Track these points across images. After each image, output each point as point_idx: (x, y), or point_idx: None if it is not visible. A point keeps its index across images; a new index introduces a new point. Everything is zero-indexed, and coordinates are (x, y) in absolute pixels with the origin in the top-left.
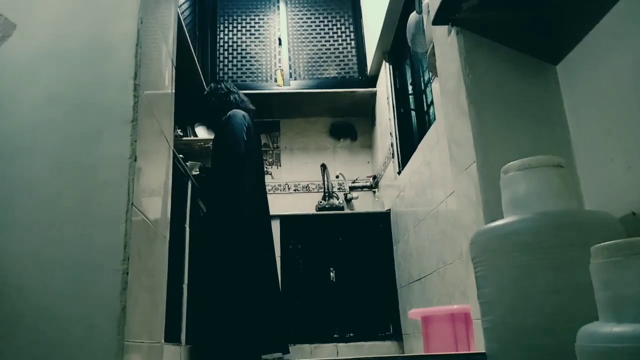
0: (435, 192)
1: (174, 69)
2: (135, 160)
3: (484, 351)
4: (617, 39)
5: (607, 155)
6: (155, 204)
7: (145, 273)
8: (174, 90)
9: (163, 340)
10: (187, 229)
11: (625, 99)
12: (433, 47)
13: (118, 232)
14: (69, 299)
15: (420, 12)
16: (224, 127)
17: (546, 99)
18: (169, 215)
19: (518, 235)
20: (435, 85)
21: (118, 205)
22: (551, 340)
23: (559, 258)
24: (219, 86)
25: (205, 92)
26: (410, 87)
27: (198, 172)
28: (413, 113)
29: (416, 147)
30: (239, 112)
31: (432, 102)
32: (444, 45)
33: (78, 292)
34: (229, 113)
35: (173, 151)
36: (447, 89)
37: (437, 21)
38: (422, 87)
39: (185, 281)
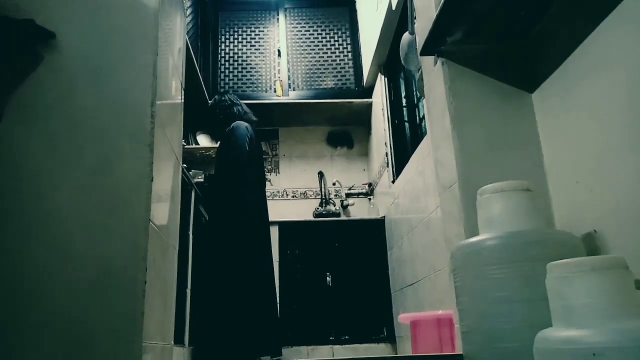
0: (427, 201)
1: (182, 87)
2: (152, 180)
3: (462, 353)
4: (583, 74)
5: (573, 178)
6: (167, 218)
7: (159, 281)
8: (182, 100)
9: (172, 342)
10: (191, 235)
11: (588, 128)
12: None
13: (138, 245)
14: (94, 304)
15: (412, 33)
16: (227, 138)
17: (522, 124)
18: (178, 227)
19: (490, 251)
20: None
21: (137, 221)
22: (517, 343)
23: (525, 272)
24: (223, 98)
25: (210, 103)
26: (404, 100)
27: (202, 180)
28: (407, 124)
29: (410, 157)
30: (242, 124)
31: (423, 117)
32: (431, 73)
33: (102, 298)
34: (233, 124)
35: (182, 166)
36: (433, 113)
37: (424, 52)
38: (415, 101)
39: (189, 286)
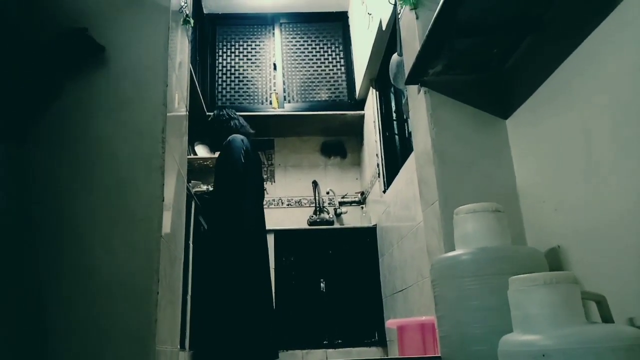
0: (416, 212)
1: (187, 105)
2: (163, 200)
3: (440, 355)
4: (548, 106)
5: (541, 198)
6: (175, 233)
7: (169, 290)
8: (187, 113)
9: (179, 346)
10: (191, 245)
11: (552, 154)
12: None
13: (151, 259)
14: (114, 313)
15: (401, 55)
16: (224, 151)
17: (497, 148)
18: (183, 240)
19: (463, 265)
20: None
21: (150, 238)
22: (487, 346)
23: (493, 283)
24: (221, 113)
25: (210, 117)
26: (394, 114)
27: (204, 190)
28: (397, 137)
29: (400, 169)
30: (238, 137)
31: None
32: (415, 100)
33: (121, 307)
34: (229, 138)
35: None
36: (417, 136)
37: (409, 81)
38: (405, 116)
39: (189, 292)
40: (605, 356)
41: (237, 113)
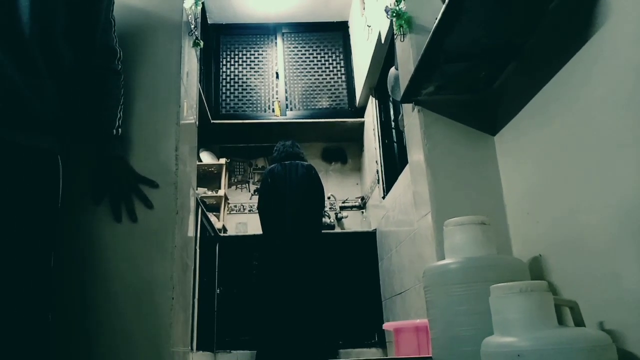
0: (413, 218)
1: (195, 116)
2: (177, 213)
3: (431, 355)
4: (530, 125)
5: (525, 210)
6: (187, 242)
7: (182, 296)
8: (196, 122)
9: (189, 347)
10: (198, 250)
11: (533, 169)
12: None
13: (166, 268)
14: (133, 317)
15: (398, 69)
16: None
17: (486, 163)
18: (193, 248)
19: (452, 273)
20: None
21: (165, 247)
22: (474, 347)
23: (479, 290)
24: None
25: None
26: (393, 123)
27: (206, 194)
28: (395, 145)
29: (398, 175)
30: (267, 170)
31: None
32: (410, 117)
33: (139, 312)
34: None
35: (196, 198)
36: (411, 151)
37: (404, 100)
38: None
39: (196, 296)
40: (571, 356)
41: (244, 121)
